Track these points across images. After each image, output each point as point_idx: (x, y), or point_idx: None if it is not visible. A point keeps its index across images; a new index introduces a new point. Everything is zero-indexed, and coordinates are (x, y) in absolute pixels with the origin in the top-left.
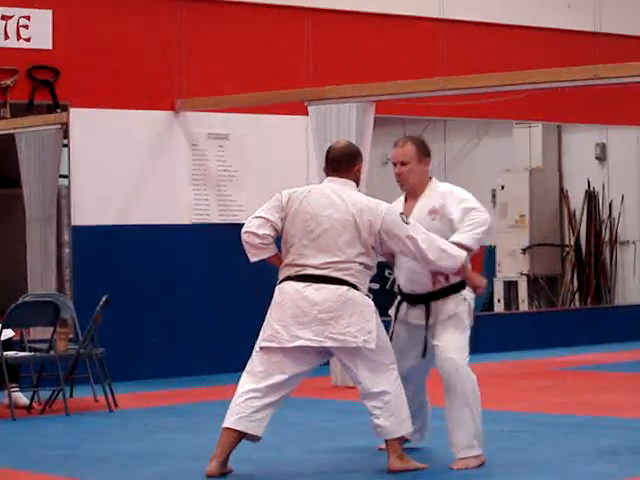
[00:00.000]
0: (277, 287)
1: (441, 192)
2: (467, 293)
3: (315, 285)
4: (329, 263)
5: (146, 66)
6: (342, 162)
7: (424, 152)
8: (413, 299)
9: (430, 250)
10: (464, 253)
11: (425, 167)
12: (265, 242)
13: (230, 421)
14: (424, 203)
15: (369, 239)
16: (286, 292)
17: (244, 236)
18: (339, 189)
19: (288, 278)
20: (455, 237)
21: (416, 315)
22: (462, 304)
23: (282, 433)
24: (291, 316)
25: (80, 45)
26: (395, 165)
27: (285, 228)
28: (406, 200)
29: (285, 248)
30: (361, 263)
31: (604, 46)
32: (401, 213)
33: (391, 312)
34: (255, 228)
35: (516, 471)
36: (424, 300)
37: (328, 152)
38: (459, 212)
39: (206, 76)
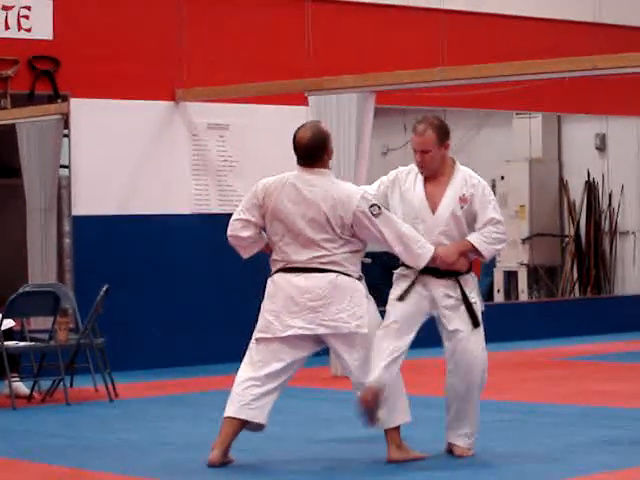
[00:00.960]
0: (269, 279)
1: (470, 182)
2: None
3: (305, 274)
4: (314, 258)
5: (146, 56)
6: (313, 151)
7: (444, 136)
8: (440, 272)
9: (396, 245)
10: (430, 252)
11: (446, 150)
12: (252, 240)
13: (231, 410)
14: (454, 189)
15: (345, 231)
16: (277, 283)
17: (230, 239)
18: (312, 181)
19: (278, 270)
20: (477, 242)
21: (444, 287)
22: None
23: (282, 423)
24: (283, 306)
25: (80, 35)
26: (416, 152)
27: (266, 226)
28: (427, 181)
29: (271, 242)
30: (345, 252)
31: (604, 37)
32: (373, 204)
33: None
34: (239, 231)
35: (515, 461)
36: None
37: (296, 141)
38: (485, 217)
39: (206, 66)
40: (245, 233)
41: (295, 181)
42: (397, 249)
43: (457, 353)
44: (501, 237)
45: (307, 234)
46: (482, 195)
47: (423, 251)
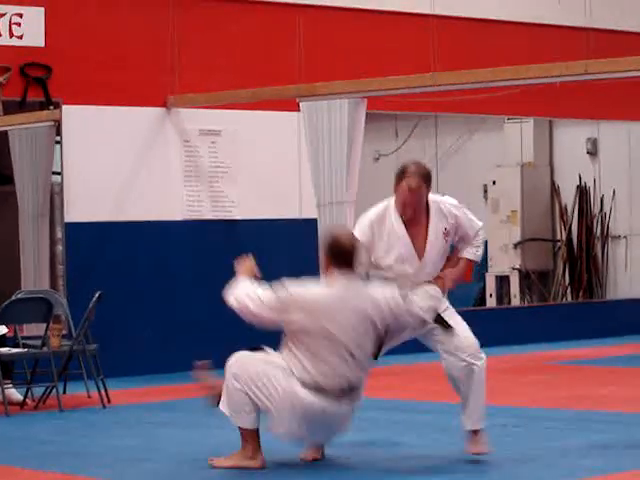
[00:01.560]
0: None
1: (447, 211)
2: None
3: None
4: None
5: (138, 63)
6: (352, 255)
7: (428, 180)
8: None
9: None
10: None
11: (427, 194)
12: None
13: None
14: (436, 225)
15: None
16: None
17: None
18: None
19: None
20: (473, 257)
21: None
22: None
23: None
24: None
25: (72, 42)
26: (406, 204)
27: None
28: (407, 223)
29: None
30: None
31: (595, 41)
32: (402, 295)
33: None
34: None
35: (508, 465)
36: None
37: (335, 244)
38: (473, 232)
39: (198, 73)
40: None
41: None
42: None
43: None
44: (482, 239)
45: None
46: (463, 217)
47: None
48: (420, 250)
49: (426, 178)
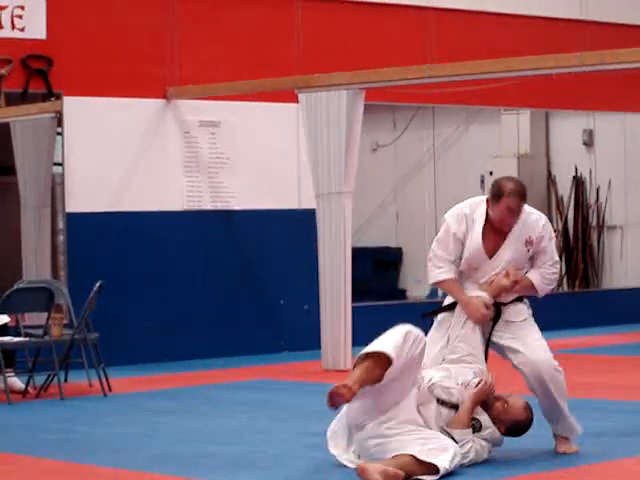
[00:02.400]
0: None
1: (535, 221)
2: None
3: None
4: None
5: (138, 55)
6: None
7: (526, 200)
8: None
9: None
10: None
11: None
12: None
13: None
14: (519, 232)
15: None
16: None
17: None
18: None
19: None
20: (537, 283)
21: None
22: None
23: (273, 416)
24: None
25: (73, 34)
26: (503, 222)
27: None
28: (487, 222)
29: None
30: None
31: (591, 33)
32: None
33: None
34: None
35: (504, 452)
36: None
37: None
38: (548, 256)
39: (197, 64)
40: None
41: None
42: None
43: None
44: (555, 278)
45: None
46: (548, 234)
47: None
48: (490, 250)
49: (525, 198)
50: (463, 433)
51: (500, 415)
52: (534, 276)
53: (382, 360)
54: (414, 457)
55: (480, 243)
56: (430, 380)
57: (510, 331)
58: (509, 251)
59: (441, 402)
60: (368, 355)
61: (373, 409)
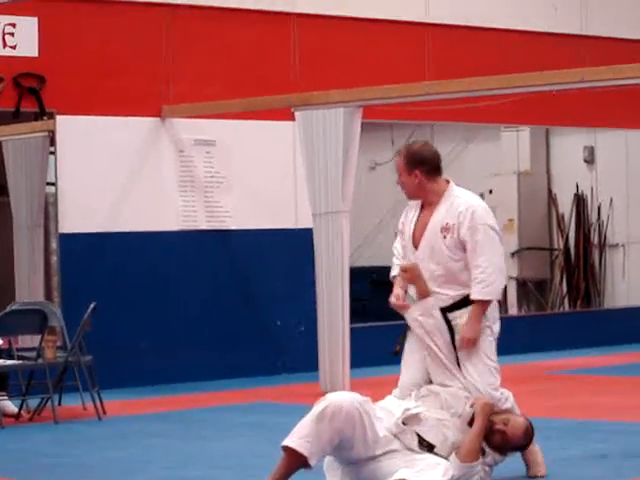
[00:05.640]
0: None
1: (457, 205)
2: None
3: None
4: None
5: (132, 73)
6: None
7: (412, 163)
8: None
9: None
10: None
11: (415, 179)
12: None
13: None
14: (441, 217)
15: None
16: None
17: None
18: None
19: None
20: (473, 294)
21: None
22: None
23: (272, 440)
24: None
25: (66, 52)
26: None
27: None
28: (422, 208)
29: None
30: None
31: (591, 49)
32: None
33: None
34: None
35: (508, 475)
36: None
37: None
38: (472, 256)
39: (192, 82)
40: None
41: None
42: None
43: None
44: (485, 279)
45: None
46: (473, 225)
47: None
48: (417, 239)
49: (405, 151)
50: (472, 465)
51: (500, 446)
52: (473, 293)
53: (298, 455)
54: None
55: (410, 233)
56: (406, 412)
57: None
58: (426, 239)
59: (420, 439)
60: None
61: (347, 458)
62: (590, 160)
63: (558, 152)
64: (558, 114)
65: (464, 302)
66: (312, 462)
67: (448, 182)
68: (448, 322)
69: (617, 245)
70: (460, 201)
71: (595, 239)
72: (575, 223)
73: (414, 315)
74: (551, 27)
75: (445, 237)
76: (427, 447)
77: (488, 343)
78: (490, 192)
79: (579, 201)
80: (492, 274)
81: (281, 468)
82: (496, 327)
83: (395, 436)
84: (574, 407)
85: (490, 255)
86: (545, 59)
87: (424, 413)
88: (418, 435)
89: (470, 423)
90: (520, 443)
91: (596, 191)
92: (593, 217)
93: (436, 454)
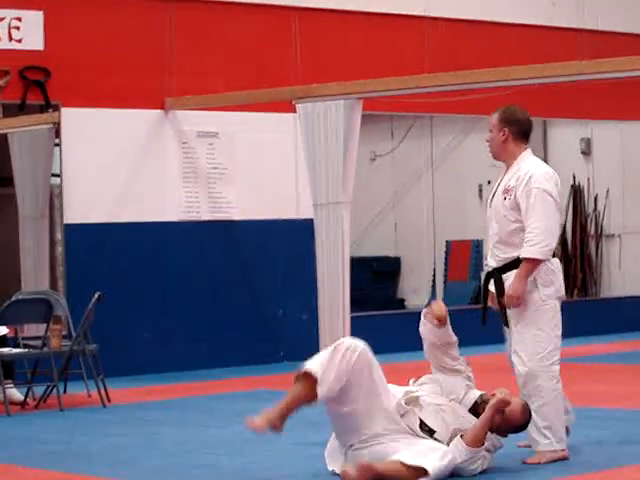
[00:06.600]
0: None
1: (519, 170)
2: None
3: None
4: None
5: (136, 65)
6: None
7: (504, 120)
8: None
9: None
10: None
11: (502, 136)
12: None
13: None
14: (507, 180)
15: None
16: None
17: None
18: None
19: None
20: (522, 252)
21: None
22: None
23: None
24: None
25: (71, 45)
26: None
27: None
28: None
29: None
30: None
31: (588, 42)
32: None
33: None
34: None
35: (505, 462)
36: None
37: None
38: (526, 220)
39: (195, 75)
40: None
41: None
42: None
43: None
44: (533, 238)
45: None
46: (528, 189)
47: None
48: (492, 200)
49: (501, 109)
50: (477, 451)
51: (500, 426)
52: (522, 252)
53: (309, 380)
54: (402, 462)
55: (491, 193)
56: (408, 394)
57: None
58: (494, 200)
59: (421, 424)
60: (297, 376)
61: (350, 431)
62: (587, 151)
63: (555, 144)
64: (555, 106)
65: (515, 264)
66: (320, 390)
67: (526, 150)
68: (502, 283)
69: (613, 235)
70: (524, 166)
71: (592, 229)
72: (572, 214)
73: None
74: (549, 20)
75: (505, 198)
76: (428, 432)
77: (541, 312)
78: (489, 183)
79: (576, 192)
80: (540, 235)
81: (290, 397)
82: (549, 290)
83: (400, 416)
84: (570, 394)
85: (541, 217)
86: (543, 52)
87: (424, 398)
88: (419, 419)
89: (471, 410)
90: (519, 422)
91: (592, 182)
92: (589, 208)
93: (436, 439)
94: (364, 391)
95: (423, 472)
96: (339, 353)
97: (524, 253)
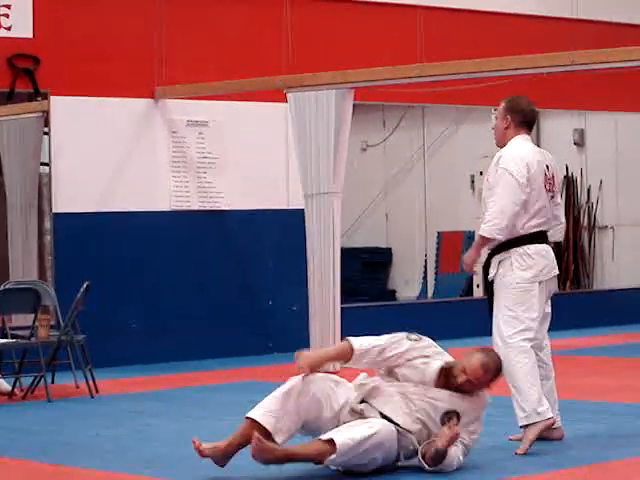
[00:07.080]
0: None
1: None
2: None
3: None
4: None
5: (126, 54)
6: None
7: (509, 108)
8: None
9: None
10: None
11: (505, 123)
12: None
13: None
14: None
15: None
16: None
17: None
18: None
19: None
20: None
21: None
22: None
23: None
24: None
25: (60, 33)
26: None
27: None
28: None
29: None
30: None
31: (581, 32)
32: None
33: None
34: None
35: (495, 455)
36: None
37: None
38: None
39: (185, 64)
40: None
41: None
42: None
43: None
44: (496, 214)
45: None
46: (494, 166)
47: None
48: None
49: (507, 99)
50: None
51: (473, 390)
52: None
53: (261, 429)
54: (320, 439)
55: None
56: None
57: None
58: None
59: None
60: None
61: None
62: (580, 143)
63: (548, 134)
64: (548, 97)
65: (502, 247)
66: (279, 439)
67: (520, 136)
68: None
69: (606, 227)
70: (504, 148)
71: (585, 221)
72: (565, 205)
73: None
74: (542, 10)
75: (487, 180)
76: (390, 421)
77: (510, 294)
78: (481, 174)
79: (569, 183)
80: (492, 214)
81: (239, 436)
82: (527, 274)
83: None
84: (563, 387)
85: (498, 197)
86: (536, 42)
87: (381, 386)
88: (379, 412)
89: (437, 384)
90: (486, 378)
91: (586, 173)
92: (583, 199)
93: (398, 425)
94: (326, 420)
95: (331, 444)
96: (291, 399)
97: (479, 230)
